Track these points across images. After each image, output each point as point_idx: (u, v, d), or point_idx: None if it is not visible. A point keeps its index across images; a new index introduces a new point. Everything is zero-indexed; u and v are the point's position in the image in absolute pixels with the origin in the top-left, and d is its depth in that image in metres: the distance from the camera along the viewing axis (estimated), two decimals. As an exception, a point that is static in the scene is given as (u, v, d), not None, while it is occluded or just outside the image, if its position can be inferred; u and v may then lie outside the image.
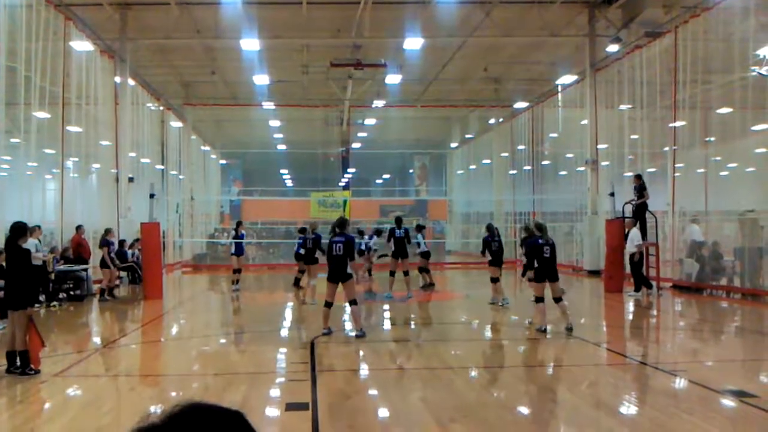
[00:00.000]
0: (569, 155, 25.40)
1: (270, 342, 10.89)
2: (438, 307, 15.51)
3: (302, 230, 17.66)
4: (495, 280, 14.40)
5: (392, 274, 16.12)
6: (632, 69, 19.56)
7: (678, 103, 17.49)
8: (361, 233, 21.05)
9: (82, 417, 6.36)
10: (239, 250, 18.28)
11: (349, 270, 10.43)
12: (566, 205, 26.59)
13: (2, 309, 9.77)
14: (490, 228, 14.72)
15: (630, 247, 15.85)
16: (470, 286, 19.93)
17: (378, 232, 21.10)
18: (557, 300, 10.86)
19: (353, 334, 10.56)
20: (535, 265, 10.87)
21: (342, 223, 10.77)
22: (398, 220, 16.68)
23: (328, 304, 10.55)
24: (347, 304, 10.71)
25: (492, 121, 32.41)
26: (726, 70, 16.01)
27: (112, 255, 16.79)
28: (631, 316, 14.22)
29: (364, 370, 8.91)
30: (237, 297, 17.17)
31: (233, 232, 19.08)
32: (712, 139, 18.10)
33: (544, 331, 10.69)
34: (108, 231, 16.80)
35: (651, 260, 16.70)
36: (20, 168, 17.13)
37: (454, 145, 38.85)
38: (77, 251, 16.38)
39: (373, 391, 7.62)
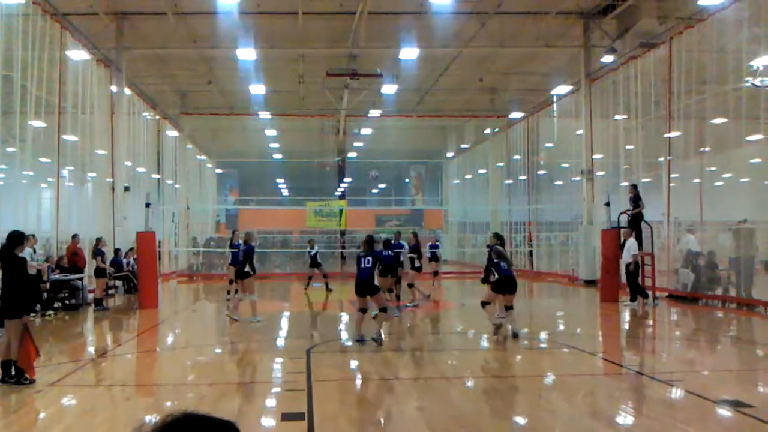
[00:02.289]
0: (565, 165, 25.46)
1: (266, 352, 10.85)
2: (433, 317, 15.48)
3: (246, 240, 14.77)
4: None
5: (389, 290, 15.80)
6: (627, 79, 19.65)
7: (673, 114, 17.57)
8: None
9: (77, 427, 6.33)
10: (235, 260, 17.98)
11: (376, 282, 10.61)
12: (562, 215, 26.65)
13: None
14: (498, 236, 14.59)
15: (626, 257, 15.86)
16: (466, 296, 19.89)
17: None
18: (508, 308, 11.16)
19: (372, 337, 10.47)
20: (495, 276, 11.18)
21: (370, 240, 10.87)
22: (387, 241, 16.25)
23: (362, 310, 10.74)
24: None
25: (488, 131, 32.49)
26: (720, 81, 16.10)
27: (105, 264, 16.74)
28: (626, 326, 14.22)
29: (360, 379, 8.89)
30: (235, 306, 16.87)
31: (229, 242, 18.90)
32: (707, 149, 18.17)
33: (500, 326, 11.22)
34: (99, 240, 16.75)
35: (647, 270, 16.71)
36: (16, 177, 17.08)
37: (449, 154, 38.93)
38: (72, 260, 16.32)
39: (369, 401, 7.60)
